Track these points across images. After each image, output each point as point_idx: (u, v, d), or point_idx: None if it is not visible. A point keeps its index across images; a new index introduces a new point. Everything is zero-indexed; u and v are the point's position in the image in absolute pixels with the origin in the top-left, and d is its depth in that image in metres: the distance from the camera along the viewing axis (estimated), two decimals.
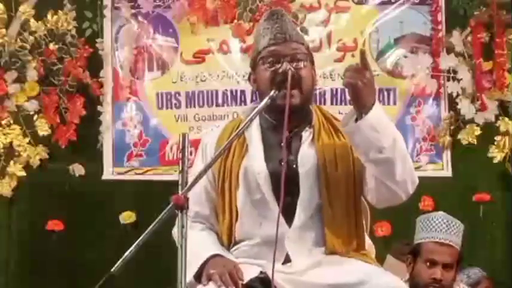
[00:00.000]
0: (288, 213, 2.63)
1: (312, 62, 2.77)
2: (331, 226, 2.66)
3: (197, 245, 2.58)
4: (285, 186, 2.56)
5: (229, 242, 2.73)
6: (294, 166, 2.67)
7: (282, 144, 2.62)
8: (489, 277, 4.30)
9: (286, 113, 2.59)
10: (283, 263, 2.63)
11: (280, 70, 2.66)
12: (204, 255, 2.62)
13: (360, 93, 2.52)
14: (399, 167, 2.58)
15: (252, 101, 4.79)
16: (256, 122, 2.76)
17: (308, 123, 2.76)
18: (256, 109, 2.61)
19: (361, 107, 2.53)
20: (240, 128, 2.59)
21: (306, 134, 2.74)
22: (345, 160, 2.70)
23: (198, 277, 2.60)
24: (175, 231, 2.58)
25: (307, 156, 2.69)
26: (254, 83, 2.78)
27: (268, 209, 2.65)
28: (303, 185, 2.66)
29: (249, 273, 2.60)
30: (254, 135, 2.74)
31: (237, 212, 2.71)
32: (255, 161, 2.70)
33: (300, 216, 2.65)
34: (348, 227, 2.70)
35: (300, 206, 2.65)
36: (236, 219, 2.71)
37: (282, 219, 2.60)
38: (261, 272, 2.59)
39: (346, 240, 2.69)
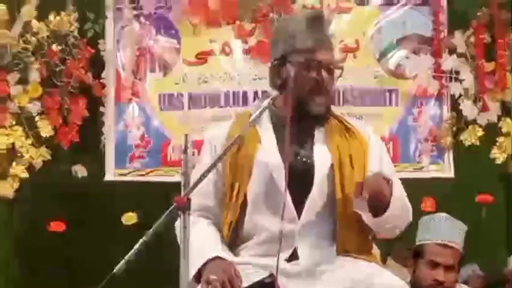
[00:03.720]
0: (300, 208, 2.64)
1: None
2: (343, 223, 2.67)
3: (199, 242, 2.56)
4: (299, 181, 2.60)
5: (234, 236, 2.72)
6: (309, 161, 2.69)
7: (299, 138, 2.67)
8: (483, 275, 4.22)
9: (290, 113, 2.59)
10: (290, 260, 2.63)
11: (316, 78, 2.69)
12: (205, 257, 2.60)
13: (383, 196, 2.58)
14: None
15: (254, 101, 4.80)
16: (266, 116, 2.76)
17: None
18: (258, 110, 2.62)
19: (384, 207, 2.60)
20: (241, 129, 2.60)
21: (318, 132, 2.76)
22: (358, 159, 2.73)
23: (197, 277, 2.59)
24: (177, 225, 2.57)
25: (321, 152, 2.71)
26: (278, 74, 2.76)
27: (281, 203, 2.63)
28: (317, 180, 2.67)
29: (253, 277, 2.59)
30: (266, 129, 2.74)
31: (245, 206, 2.70)
32: (270, 155, 2.70)
33: (311, 211, 2.65)
34: (358, 226, 2.70)
35: (312, 201, 2.66)
36: (244, 214, 2.70)
37: (294, 214, 2.63)
38: (270, 275, 2.57)
39: (357, 238, 2.70)
